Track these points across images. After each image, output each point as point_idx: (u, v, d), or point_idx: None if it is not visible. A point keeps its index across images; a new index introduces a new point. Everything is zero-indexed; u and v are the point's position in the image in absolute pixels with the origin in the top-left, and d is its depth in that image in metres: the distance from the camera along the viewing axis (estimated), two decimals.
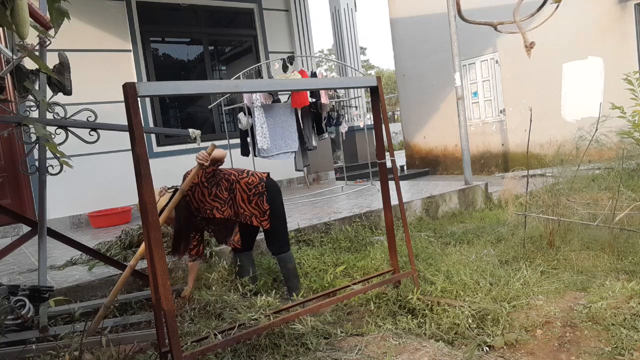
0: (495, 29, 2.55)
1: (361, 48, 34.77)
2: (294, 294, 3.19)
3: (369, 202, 5.60)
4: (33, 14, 2.34)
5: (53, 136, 2.76)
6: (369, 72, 34.69)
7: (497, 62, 9.52)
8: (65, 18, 1.82)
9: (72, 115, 3.00)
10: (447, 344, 2.47)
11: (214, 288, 3.28)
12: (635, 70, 6.13)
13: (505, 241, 4.14)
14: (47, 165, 3.07)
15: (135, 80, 4.48)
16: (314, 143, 6.80)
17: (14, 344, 2.69)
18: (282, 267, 3.38)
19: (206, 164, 2.96)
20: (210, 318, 2.94)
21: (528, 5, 2.86)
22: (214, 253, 3.95)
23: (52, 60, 2.91)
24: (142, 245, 2.99)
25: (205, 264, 3.89)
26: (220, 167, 3.20)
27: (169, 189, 3.17)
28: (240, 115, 6.14)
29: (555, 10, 2.51)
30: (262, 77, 7.55)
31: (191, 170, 3.00)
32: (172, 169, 6.84)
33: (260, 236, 3.67)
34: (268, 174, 3.35)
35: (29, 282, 3.44)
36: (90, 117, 2.98)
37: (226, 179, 3.20)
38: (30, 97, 2.98)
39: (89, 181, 6.22)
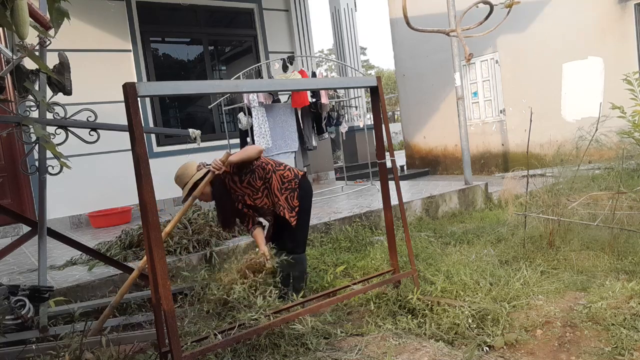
0: (448, 35, 2.59)
1: (361, 48, 34.73)
2: (294, 295, 3.19)
3: (369, 202, 5.60)
4: (33, 14, 2.34)
5: (53, 136, 2.77)
6: (369, 72, 34.69)
7: (497, 62, 9.52)
8: (65, 18, 1.82)
9: (72, 115, 3.00)
10: (447, 344, 2.47)
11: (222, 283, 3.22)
12: (635, 70, 6.13)
13: (505, 241, 4.14)
14: (47, 165, 3.07)
15: (135, 80, 4.48)
16: (314, 143, 6.79)
17: (14, 344, 2.69)
18: (292, 268, 3.36)
19: (218, 172, 2.99)
20: (210, 318, 2.94)
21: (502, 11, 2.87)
22: (213, 253, 3.95)
23: (52, 60, 2.91)
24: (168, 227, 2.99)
25: (206, 265, 3.90)
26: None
27: (207, 164, 3.20)
28: (240, 115, 6.14)
29: (507, 15, 2.57)
30: (262, 77, 7.55)
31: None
32: (172, 169, 6.85)
33: None
34: (304, 173, 3.37)
35: (29, 282, 3.44)
36: (90, 117, 2.98)
37: (262, 167, 3.20)
38: (30, 97, 2.98)
39: (89, 181, 6.22)
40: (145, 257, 2.92)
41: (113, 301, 2.88)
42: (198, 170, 3.13)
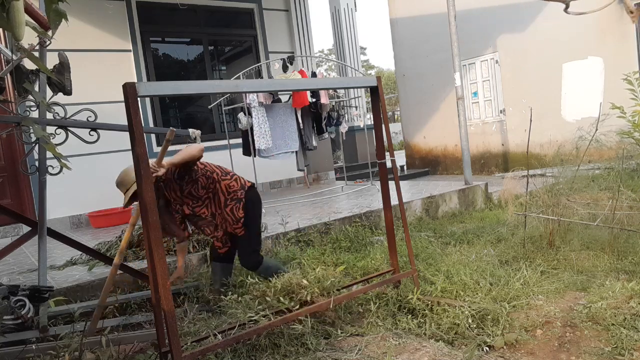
0: (567, 6, 2.50)
1: (361, 48, 34.67)
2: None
3: (369, 202, 5.60)
4: (33, 14, 2.34)
5: (53, 136, 2.77)
6: (369, 72, 34.68)
7: (497, 62, 9.52)
8: (63, 19, 1.81)
9: (72, 115, 3.00)
10: (447, 344, 2.47)
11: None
12: (635, 70, 6.13)
13: (505, 241, 4.14)
14: (47, 165, 3.07)
15: (135, 80, 4.48)
16: (314, 143, 6.80)
17: (14, 344, 2.69)
18: (264, 279, 3.07)
19: (159, 174, 2.85)
20: (210, 318, 2.94)
21: None
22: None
23: (52, 60, 2.91)
24: (123, 242, 2.97)
25: (207, 266, 3.89)
26: (202, 162, 3.09)
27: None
28: (240, 115, 6.14)
29: None
30: (262, 77, 7.55)
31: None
32: None
33: None
34: (252, 184, 3.25)
35: (29, 282, 3.44)
36: (90, 117, 2.98)
37: (207, 176, 3.06)
38: (30, 97, 2.98)
39: (89, 181, 6.21)
40: (119, 252, 2.94)
41: (99, 301, 2.90)
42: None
